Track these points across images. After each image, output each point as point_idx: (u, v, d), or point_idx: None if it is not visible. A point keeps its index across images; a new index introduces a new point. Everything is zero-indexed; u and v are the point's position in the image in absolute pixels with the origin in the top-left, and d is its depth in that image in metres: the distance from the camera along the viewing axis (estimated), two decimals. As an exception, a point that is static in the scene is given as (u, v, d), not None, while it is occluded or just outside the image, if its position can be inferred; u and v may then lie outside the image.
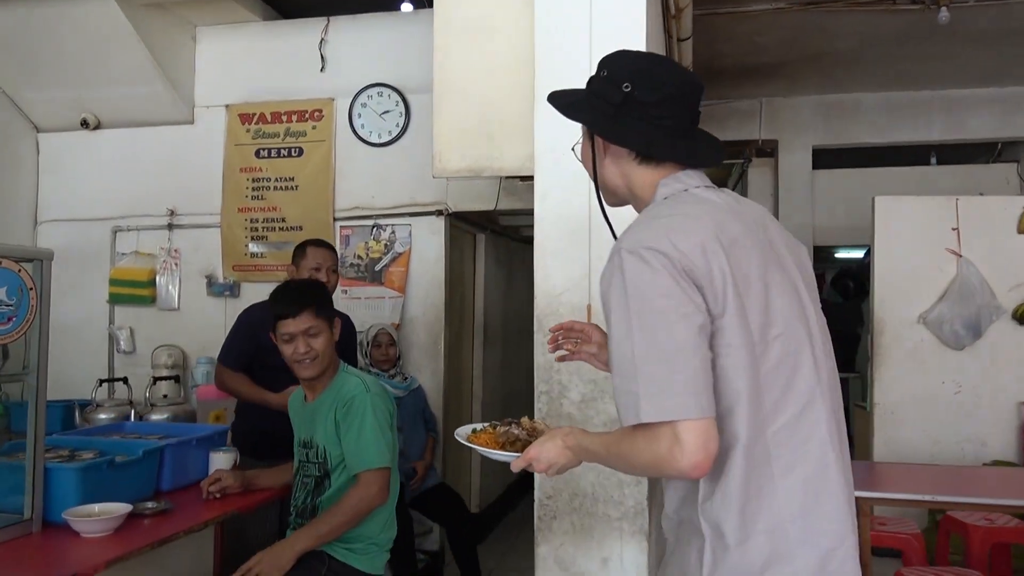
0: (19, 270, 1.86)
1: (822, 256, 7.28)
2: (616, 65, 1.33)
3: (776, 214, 7.12)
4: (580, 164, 1.44)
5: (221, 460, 2.47)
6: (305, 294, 2.32)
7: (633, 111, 1.29)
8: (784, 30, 5.24)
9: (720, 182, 8.78)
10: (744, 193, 7.50)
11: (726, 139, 7.02)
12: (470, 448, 1.55)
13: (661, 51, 3.36)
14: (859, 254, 8.54)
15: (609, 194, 1.41)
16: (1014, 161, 6.69)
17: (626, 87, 1.28)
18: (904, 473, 3.54)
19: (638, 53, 1.43)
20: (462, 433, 1.60)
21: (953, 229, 4.46)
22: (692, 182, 1.32)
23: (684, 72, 1.41)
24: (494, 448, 1.49)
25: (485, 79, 2.87)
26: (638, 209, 1.36)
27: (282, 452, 2.52)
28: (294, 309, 2.23)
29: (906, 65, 5.98)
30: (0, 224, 4.52)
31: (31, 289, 1.89)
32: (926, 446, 4.47)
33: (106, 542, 1.88)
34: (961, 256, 4.42)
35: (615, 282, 1.18)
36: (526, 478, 6.08)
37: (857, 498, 2.89)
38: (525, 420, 1.58)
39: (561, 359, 1.63)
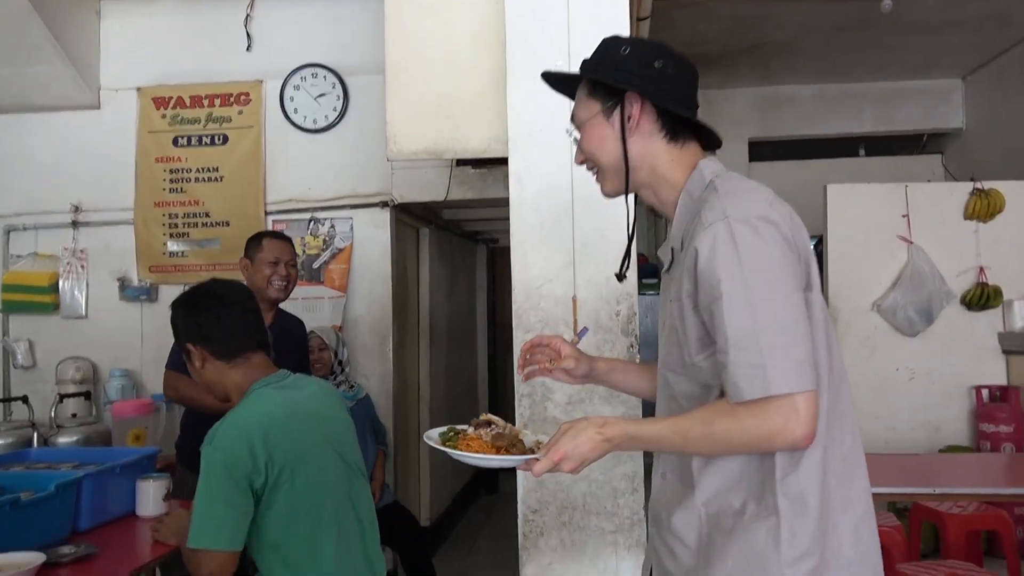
0: None
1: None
2: (637, 44, 1.33)
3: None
4: (558, 146, 1.53)
5: (151, 489, 2.10)
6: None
7: (666, 87, 1.28)
8: (726, 19, 5.15)
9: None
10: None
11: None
12: (443, 455, 1.34)
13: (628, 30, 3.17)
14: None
15: (617, 177, 1.34)
16: (939, 152, 6.87)
17: (658, 63, 1.28)
18: (870, 463, 3.45)
19: (643, 38, 1.39)
20: (434, 437, 1.39)
21: (903, 216, 4.45)
22: (723, 165, 1.33)
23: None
24: (491, 454, 1.32)
25: (444, 55, 2.62)
26: (659, 192, 1.34)
27: None
28: None
29: (841, 57, 6.02)
30: None
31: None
32: (881, 433, 4.44)
33: (13, 602, 1.51)
34: (912, 243, 4.41)
35: (726, 252, 1.15)
36: (473, 486, 5.82)
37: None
38: (489, 416, 1.42)
39: (531, 376, 1.54)
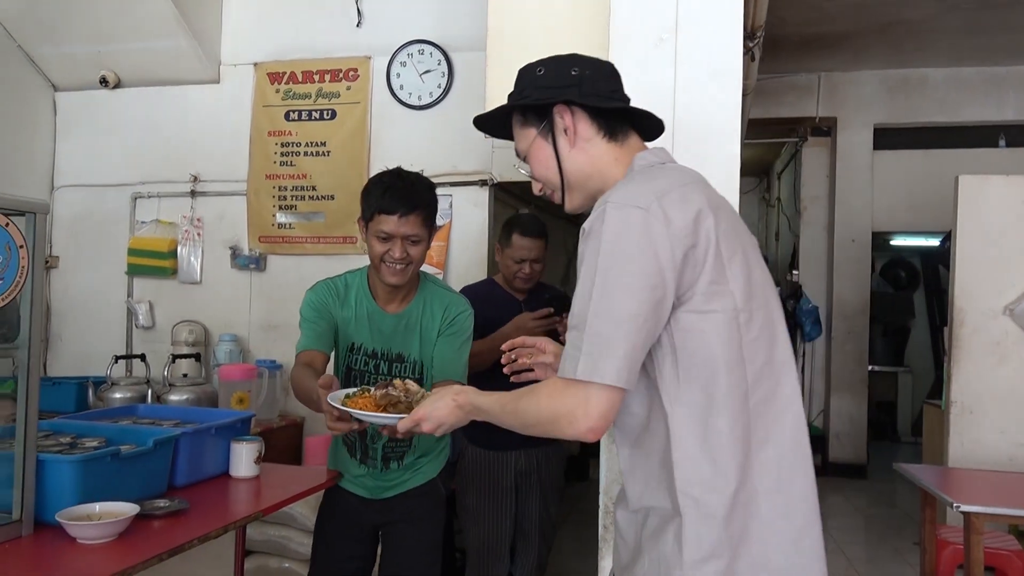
0: (7, 224, 1.55)
1: (876, 244, 6.84)
2: (549, 61, 1.36)
3: (832, 197, 6.69)
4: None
5: (244, 451, 2.17)
6: (421, 194, 2.01)
7: (588, 88, 1.32)
8: (857, -5, 4.82)
9: (767, 164, 8.40)
10: (797, 175, 7.08)
11: (780, 116, 6.59)
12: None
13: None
14: (916, 241, 8.08)
15: (577, 191, 1.36)
16: (1091, 144, 6.22)
17: (574, 71, 1.32)
18: (993, 481, 3.18)
19: (556, 55, 1.39)
20: (336, 398, 1.62)
21: (1046, 213, 4.05)
22: (667, 157, 1.35)
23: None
24: (373, 412, 1.53)
25: (544, 26, 2.54)
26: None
27: None
28: (405, 208, 1.96)
29: (982, 38, 5.53)
30: (16, 189, 4.24)
31: (21, 247, 1.58)
32: (1006, 449, 4.09)
33: (107, 550, 1.58)
34: (1055, 242, 4.00)
35: (593, 234, 1.17)
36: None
37: (969, 514, 2.53)
38: (398, 382, 1.59)
39: (519, 378, 1.56)
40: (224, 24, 4.18)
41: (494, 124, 1.45)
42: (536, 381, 1.40)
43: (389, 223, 1.96)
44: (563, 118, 1.33)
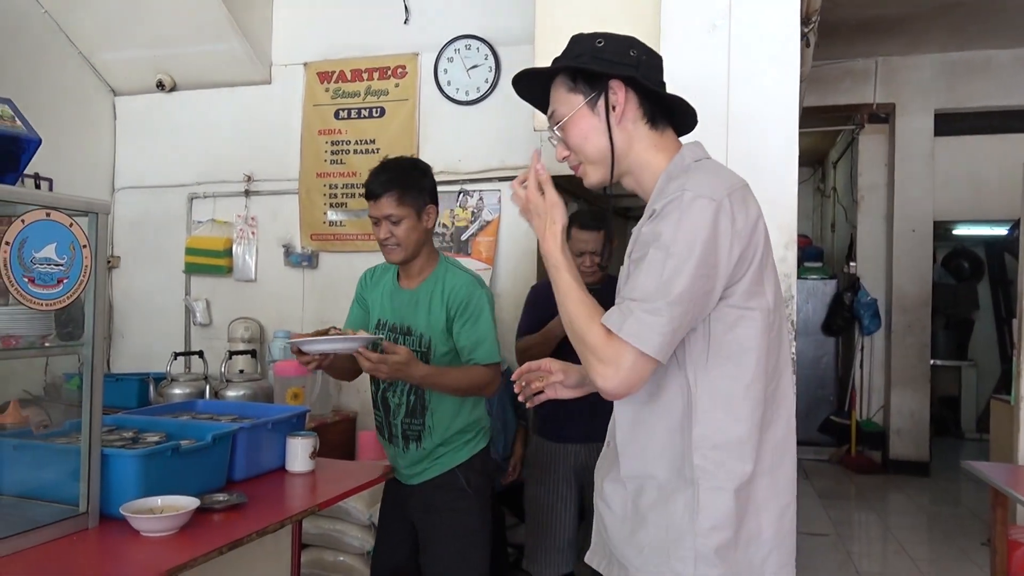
0: (71, 224, 1.59)
1: (938, 233, 6.61)
2: (609, 36, 1.35)
3: (890, 186, 6.48)
4: (712, 117, 1.61)
5: (299, 446, 2.20)
6: (392, 178, 2.17)
7: (644, 73, 1.33)
8: (916, -26, 4.65)
9: (822, 153, 8.18)
10: (854, 163, 6.88)
11: (836, 103, 6.41)
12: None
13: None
14: (980, 230, 7.78)
15: (602, 167, 1.37)
16: None
17: (633, 52, 1.33)
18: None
19: (611, 32, 1.39)
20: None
21: (1124, 199, 3.84)
22: (706, 153, 1.38)
23: None
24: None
25: (595, 23, 2.49)
26: (640, 178, 1.38)
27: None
28: (376, 192, 2.17)
29: (1053, 15, 5.28)
30: (82, 192, 4.38)
31: (84, 246, 1.62)
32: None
33: (170, 543, 1.61)
34: None
35: (670, 216, 1.21)
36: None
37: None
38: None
39: (532, 403, 1.57)
40: (275, 25, 4.24)
41: (531, 84, 1.43)
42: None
43: (371, 208, 2.20)
44: (616, 94, 1.33)
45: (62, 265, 1.58)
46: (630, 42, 1.35)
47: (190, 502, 1.70)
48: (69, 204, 1.61)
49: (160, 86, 4.36)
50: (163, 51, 4.22)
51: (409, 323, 2.26)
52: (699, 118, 1.43)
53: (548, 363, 1.56)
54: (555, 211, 1.32)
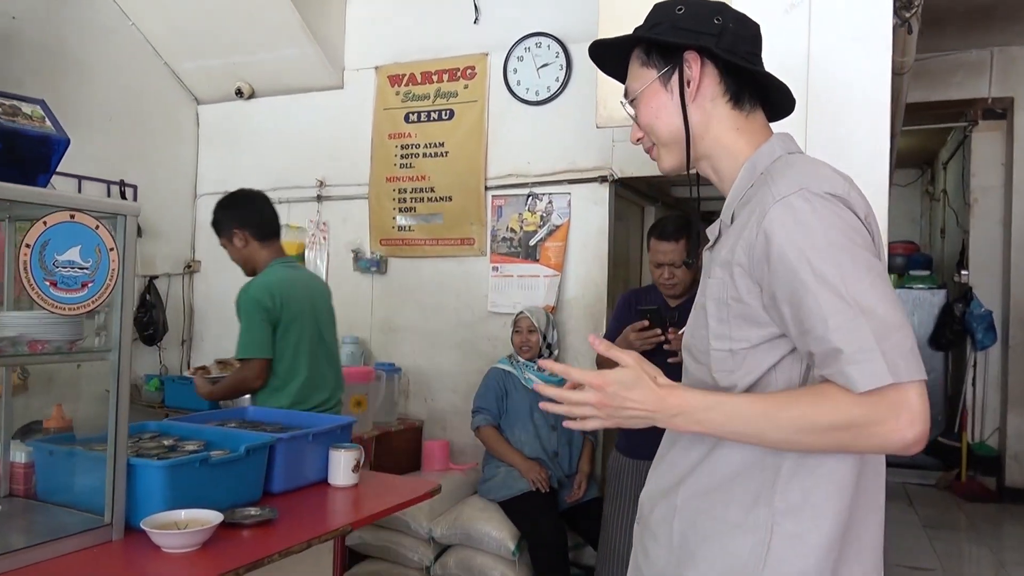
0: (96, 227, 1.55)
1: (1063, 239, 5.98)
2: (691, 3, 1.18)
3: (1008, 187, 5.93)
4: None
5: (342, 459, 2.10)
6: (212, 220, 2.85)
7: (727, 44, 1.15)
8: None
9: (931, 153, 7.61)
10: (966, 163, 6.33)
11: (946, 99, 5.91)
12: None
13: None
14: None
15: (677, 150, 1.22)
16: None
17: (718, 20, 1.16)
18: None
19: None
20: None
21: None
22: (798, 146, 1.21)
23: None
24: None
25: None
26: (718, 164, 1.21)
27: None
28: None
29: None
30: (165, 198, 4.51)
31: (111, 250, 1.57)
32: None
33: (192, 559, 1.54)
34: None
35: (808, 228, 1.00)
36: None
37: None
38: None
39: (575, 427, 1.14)
40: (347, 29, 4.23)
41: (610, 58, 1.28)
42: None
43: None
44: (691, 68, 1.17)
45: (87, 269, 1.54)
46: (717, 8, 1.18)
47: (214, 517, 1.62)
48: (95, 206, 1.57)
49: (239, 93, 4.43)
50: (241, 58, 4.29)
51: None
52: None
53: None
54: (628, 379, 1.05)
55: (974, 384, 6.12)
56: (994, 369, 6.05)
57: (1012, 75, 5.74)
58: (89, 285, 1.55)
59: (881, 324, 0.95)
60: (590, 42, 1.28)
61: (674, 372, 1.15)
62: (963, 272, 6.28)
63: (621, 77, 1.28)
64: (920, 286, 6.55)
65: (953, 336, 6.24)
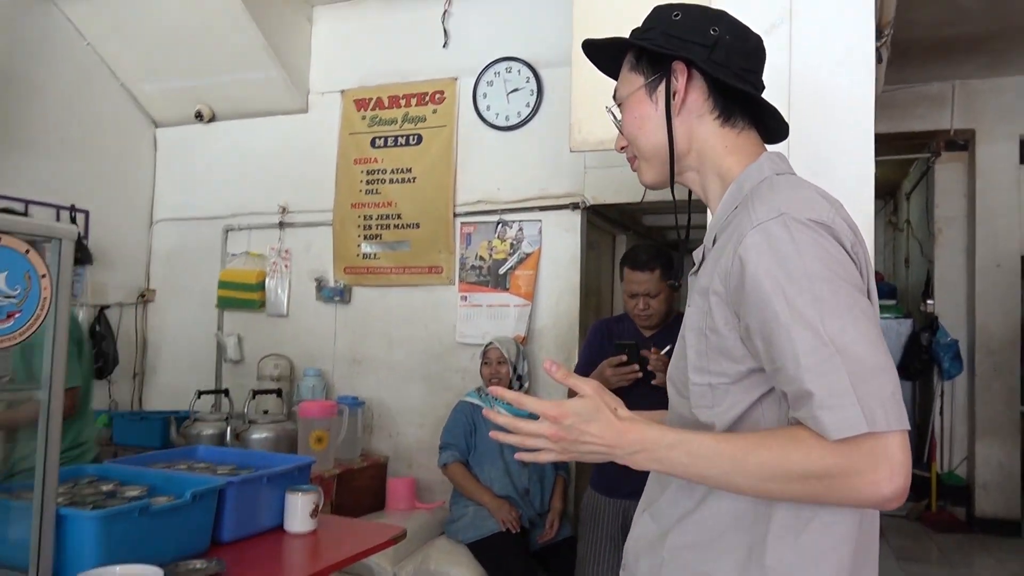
0: (27, 251, 1.40)
1: (1027, 268, 6.06)
2: (691, 9, 1.11)
3: (971, 218, 5.99)
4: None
5: (299, 503, 1.95)
6: None
7: (720, 57, 1.07)
8: (998, -11, 4.28)
9: (894, 184, 7.70)
10: (930, 194, 6.41)
11: (909, 130, 5.99)
12: None
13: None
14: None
15: (657, 165, 1.14)
16: None
17: (714, 30, 1.08)
18: None
19: (703, 5, 1.14)
20: None
21: None
22: (790, 167, 1.12)
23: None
24: None
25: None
26: (705, 181, 1.13)
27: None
28: None
29: None
30: (119, 224, 4.33)
31: (43, 276, 1.43)
32: None
33: (126, 622, 1.38)
34: None
35: (784, 256, 0.91)
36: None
37: None
38: None
39: (529, 460, 1.09)
40: (313, 53, 4.13)
41: (604, 57, 1.20)
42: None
43: None
44: (678, 79, 1.09)
45: (13, 297, 1.39)
46: (715, 17, 1.10)
47: (152, 573, 1.46)
48: (25, 228, 1.42)
49: (199, 116, 4.29)
50: (202, 81, 4.15)
51: None
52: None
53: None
54: (588, 412, 0.96)
55: (942, 414, 6.13)
56: (961, 398, 6.07)
57: (973, 108, 5.84)
58: (16, 315, 1.40)
59: (859, 366, 0.86)
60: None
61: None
62: (928, 301, 6.32)
63: (615, 75, 1.20)
64: (887, 315, 6.57)
65: (920, 365, 6.25)
